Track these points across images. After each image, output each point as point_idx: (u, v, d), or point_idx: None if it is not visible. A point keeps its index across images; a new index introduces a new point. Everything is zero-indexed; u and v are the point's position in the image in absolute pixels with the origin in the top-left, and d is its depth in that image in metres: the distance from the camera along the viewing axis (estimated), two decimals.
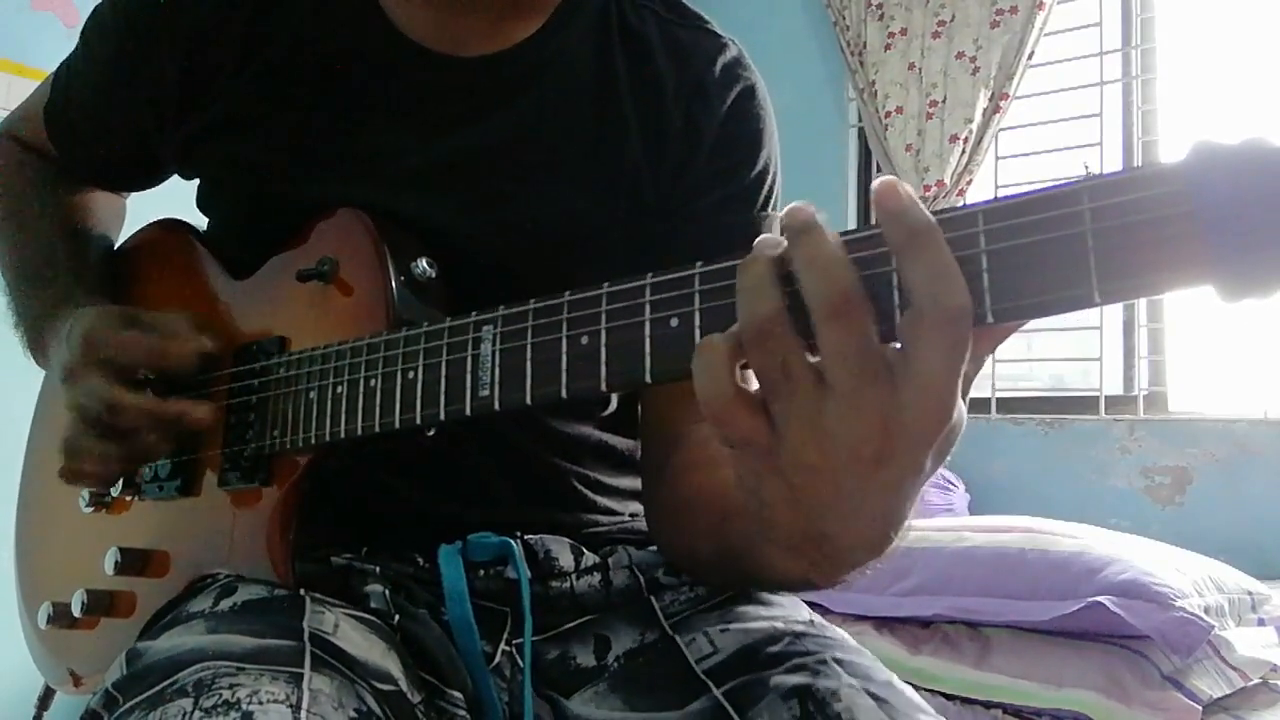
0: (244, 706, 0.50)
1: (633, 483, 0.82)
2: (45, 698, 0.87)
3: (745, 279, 0.41)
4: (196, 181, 0.82)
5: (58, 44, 2.22)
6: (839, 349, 0.39)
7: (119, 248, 0.89)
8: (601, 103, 0.75)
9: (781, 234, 0.41)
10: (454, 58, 0.74)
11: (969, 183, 2.89)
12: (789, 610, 0.72)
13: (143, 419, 0.68)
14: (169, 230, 0.86)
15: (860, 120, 3.18)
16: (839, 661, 0.63)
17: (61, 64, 0.87)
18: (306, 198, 0.73)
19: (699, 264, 0.45)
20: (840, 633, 0.70)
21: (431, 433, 0.63)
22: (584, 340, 0.49)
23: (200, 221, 0.84)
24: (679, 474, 0.69)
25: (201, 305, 0.78)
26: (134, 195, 0.96)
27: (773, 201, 0.78)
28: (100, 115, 0.83)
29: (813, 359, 0.40)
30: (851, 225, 3.27)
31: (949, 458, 0.42)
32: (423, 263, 0.67)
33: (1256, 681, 1.64)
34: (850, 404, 0.39)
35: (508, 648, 0.71)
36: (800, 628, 0.68)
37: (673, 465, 0.70)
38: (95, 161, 0.87)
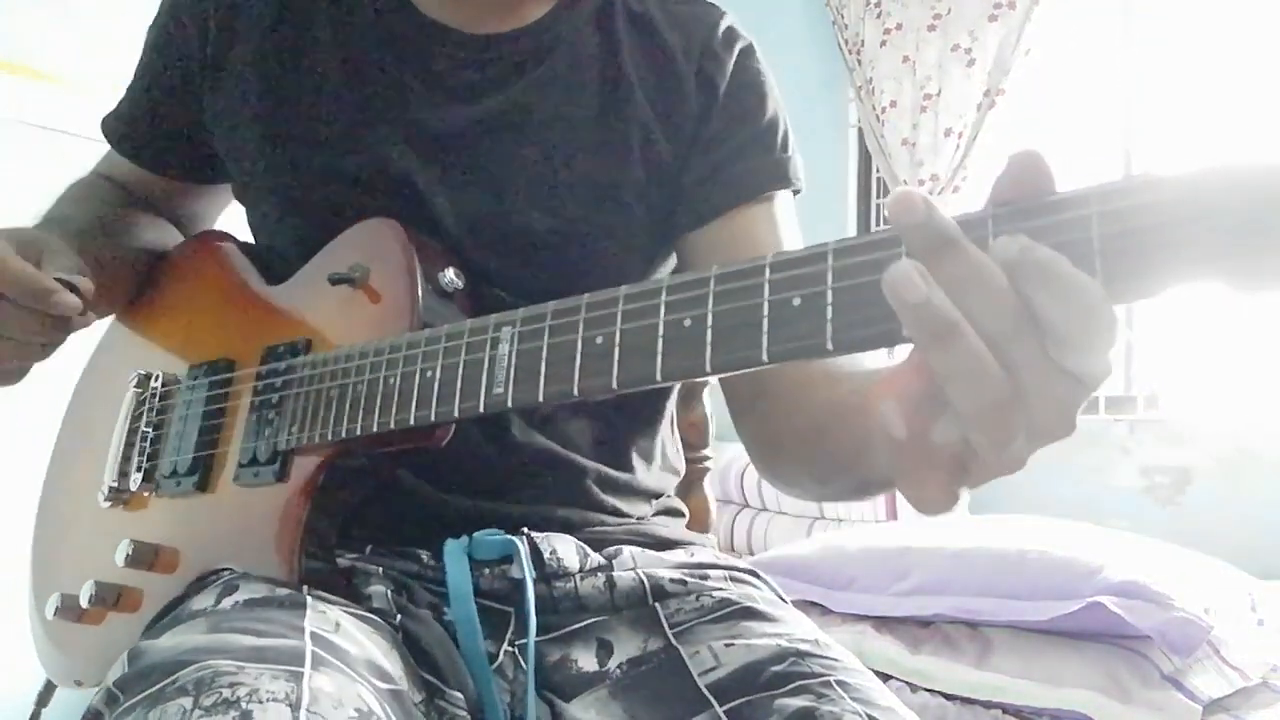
0: (243, 705, 0.50)
1: (644, 484, 0.83)
2: (44, 695, 0.87)
3: (953, 363, 0.38)
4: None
5: (58, 44, 2.23)
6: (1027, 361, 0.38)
7: (165, 254, 0.92)
8: (607, 71, 0.81)
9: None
10: (470, 34, 0.80)
11: (964, 178, 2.89)
12: (793, 627, 0.72)
13: (17, 287, 0.68)
14: (212, 238, 0.91)
15: (859, 120, 3.18)
16: (842, 685, 0.64)
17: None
18: (329, 170, 0.77)
19: (714, 268, 0.46)
20: (843, 651, 0.70)
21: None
22: (599, 340, 0.50)
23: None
24: (765, 417, 0.74)
25: (233, 306, 0.82)
26: None
27: (790, 146, 0.83)
28: (150, 100, 0.88)
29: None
30: (852, 226, 3.27)
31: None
32: (450, 273, 0.70)
33: (1256, 681, 1.64)
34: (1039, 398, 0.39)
35: (510, 648, 0.71)
36: (805, 646, 0.68)
37: (758, 409, 0.75)
38: (152, 151, 0.91)
